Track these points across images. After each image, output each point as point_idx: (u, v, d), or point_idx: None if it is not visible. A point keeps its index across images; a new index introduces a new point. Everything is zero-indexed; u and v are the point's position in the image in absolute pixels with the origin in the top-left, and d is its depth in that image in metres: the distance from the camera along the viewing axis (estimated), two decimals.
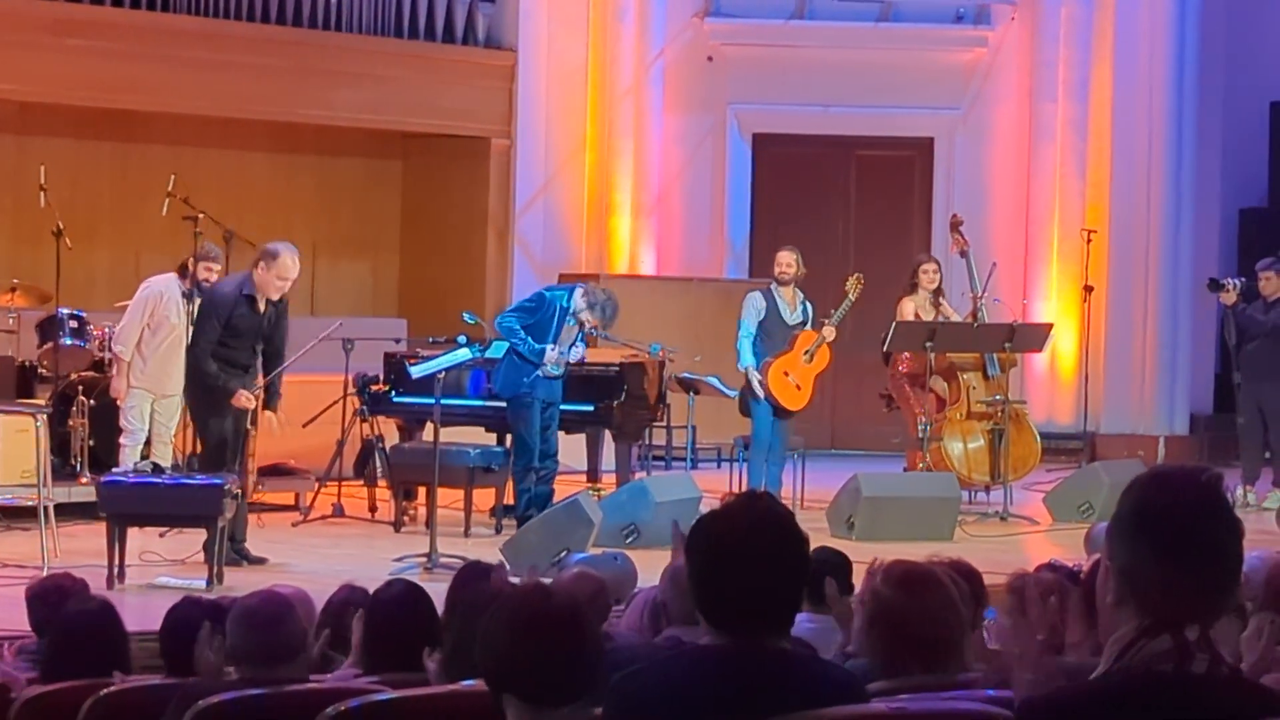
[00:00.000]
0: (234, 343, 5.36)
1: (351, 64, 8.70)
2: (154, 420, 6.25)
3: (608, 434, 6.83)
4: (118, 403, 6.32)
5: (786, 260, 6.75)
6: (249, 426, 5.49)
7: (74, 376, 6.52)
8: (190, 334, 5.56)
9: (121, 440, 6.25)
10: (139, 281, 6.69)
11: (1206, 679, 0.97)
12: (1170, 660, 0.95)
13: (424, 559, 5.11)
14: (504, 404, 6.31)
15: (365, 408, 6.65)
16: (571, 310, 6.18)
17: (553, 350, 6.08)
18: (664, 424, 7.33)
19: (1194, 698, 0.96)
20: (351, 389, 6.66)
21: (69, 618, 2.70)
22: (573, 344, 6.26)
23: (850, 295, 6.79)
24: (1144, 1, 9.48)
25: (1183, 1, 9.44)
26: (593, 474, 6.95)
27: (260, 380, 5.44)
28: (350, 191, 9.47)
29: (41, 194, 6.53)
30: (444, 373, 5.69)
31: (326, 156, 9.50)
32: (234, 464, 5.32)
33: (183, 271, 6.13)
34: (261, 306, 5.36)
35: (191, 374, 5.43)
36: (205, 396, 5.39)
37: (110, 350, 6.44)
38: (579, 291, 6.31)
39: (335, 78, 8.72)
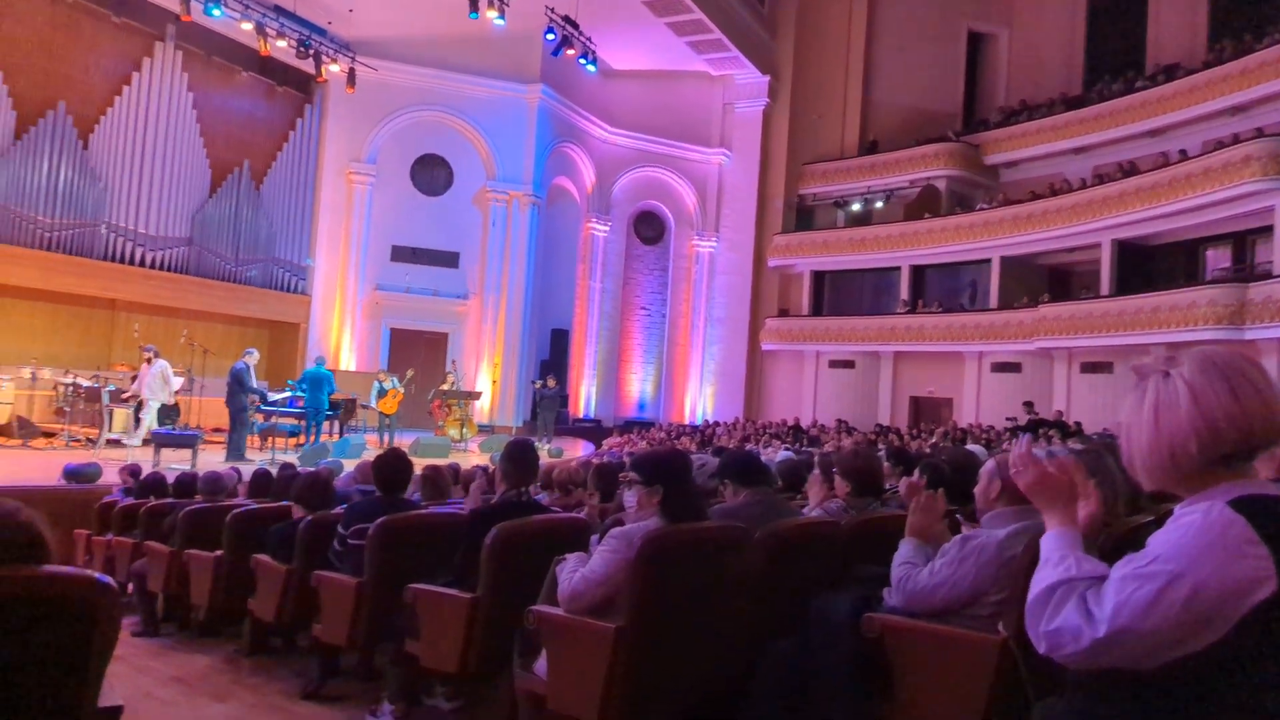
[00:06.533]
0: None
1: None
2: None
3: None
4: None
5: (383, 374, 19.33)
6: None
7: None
8: None
9: None
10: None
11: (525, 504, 3.86)
12: (516, 497, 3.88)
13: None
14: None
15: None
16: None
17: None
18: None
19: (524, 507, 3.78)
20: None
21: None
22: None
23: (409, 379, 19.71)
24: (504, 269, 23.74)
25: (526, 264, 24.05)
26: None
27: None
28: None
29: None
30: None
31: None
32: None
33: None
34: None
35: None
36: None
37: None
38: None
39: None
